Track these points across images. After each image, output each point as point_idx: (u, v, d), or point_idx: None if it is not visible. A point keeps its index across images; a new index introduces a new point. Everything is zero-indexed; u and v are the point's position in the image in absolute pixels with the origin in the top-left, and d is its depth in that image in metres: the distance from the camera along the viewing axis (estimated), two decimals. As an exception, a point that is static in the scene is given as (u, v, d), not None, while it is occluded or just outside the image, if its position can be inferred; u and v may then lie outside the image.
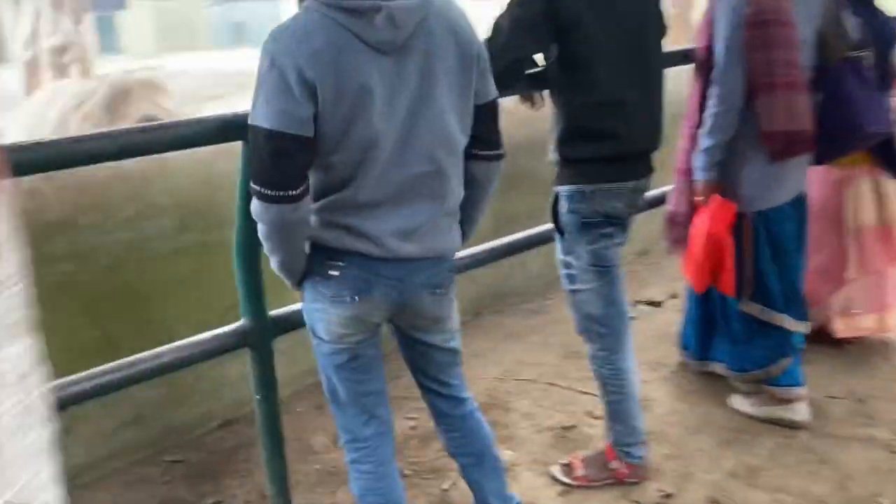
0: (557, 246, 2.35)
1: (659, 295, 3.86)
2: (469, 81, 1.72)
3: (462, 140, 1.75)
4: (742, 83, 2.49)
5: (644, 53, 2.22)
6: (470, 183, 1.84)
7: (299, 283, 1.80)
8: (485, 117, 1.79)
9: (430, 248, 1.77)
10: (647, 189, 2.35)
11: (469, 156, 1.81)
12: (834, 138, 2.65)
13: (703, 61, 2.62)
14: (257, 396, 2.08)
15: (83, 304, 2.61)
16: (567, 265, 2.33)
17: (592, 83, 2.14)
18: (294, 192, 1.61)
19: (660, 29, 2.31)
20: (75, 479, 2.66)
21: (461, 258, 2.40)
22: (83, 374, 1.81)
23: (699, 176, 2.62)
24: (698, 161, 2.60)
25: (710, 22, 2.57)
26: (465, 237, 1.94)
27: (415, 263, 1.76)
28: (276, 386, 2.09)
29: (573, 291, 2.36)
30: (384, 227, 1.70)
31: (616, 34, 2.13)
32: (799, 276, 2.76)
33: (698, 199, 2.65)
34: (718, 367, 2.98)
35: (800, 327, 2.76)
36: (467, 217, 1.90)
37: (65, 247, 2.55)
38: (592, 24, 2.09)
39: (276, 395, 2.10)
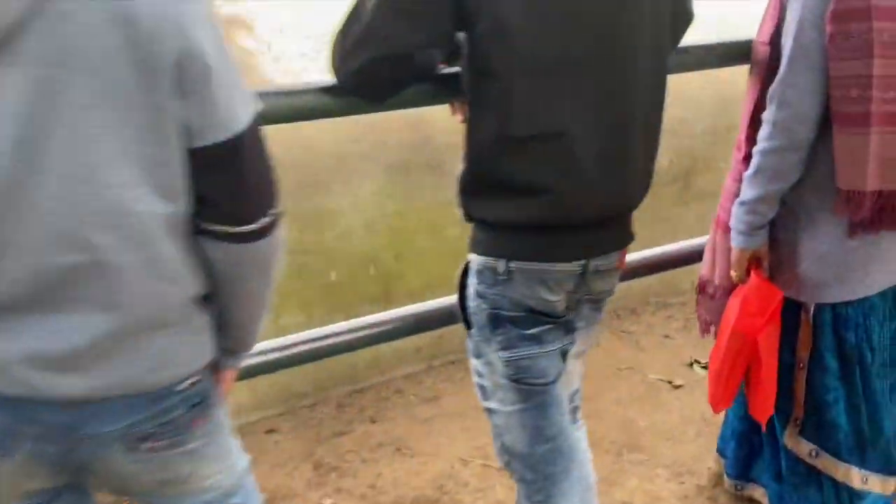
0: (467, 341, 1.54)
1: (727, 355, 2.90)
2: (161, 107, 0.95)
3: (155, 208, 0.99)
4: (815, 107, 1.54)
5: (621, 57, 1.32)
6: (212, 272, 1.09)
7: None
8: (216, 167, 1.01)
9: (118, 383, 1.05)
10: (611, 269, 1.48)
11: (196, 230, 1.06)
12: None
13: (762, 63, 1.67)
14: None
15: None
16: (477, 373, 1.53)
17: (511, 104, 1.29)
18: None
19: (666, 16, 1.40)
20: None
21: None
22: None
23: (735, 241, 1.70)
24: (735, 218, 1.69)
25: (780, 6, 1.62)
26: (236, 348, 1.20)
27: (93, 406, 1.05)
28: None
29: (487, 410, 1.55)
30: (8, 348, 1.00)
31: (562, 25, 1.26)
32: (885, 411, 1.79)
33: (732, 273, 1.75)
34: (760, 495, 2.08)
35: (877, 486, 1.80)
36: (227, 323, 1.15)
37: None
38: (517, 9, 1.24)
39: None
